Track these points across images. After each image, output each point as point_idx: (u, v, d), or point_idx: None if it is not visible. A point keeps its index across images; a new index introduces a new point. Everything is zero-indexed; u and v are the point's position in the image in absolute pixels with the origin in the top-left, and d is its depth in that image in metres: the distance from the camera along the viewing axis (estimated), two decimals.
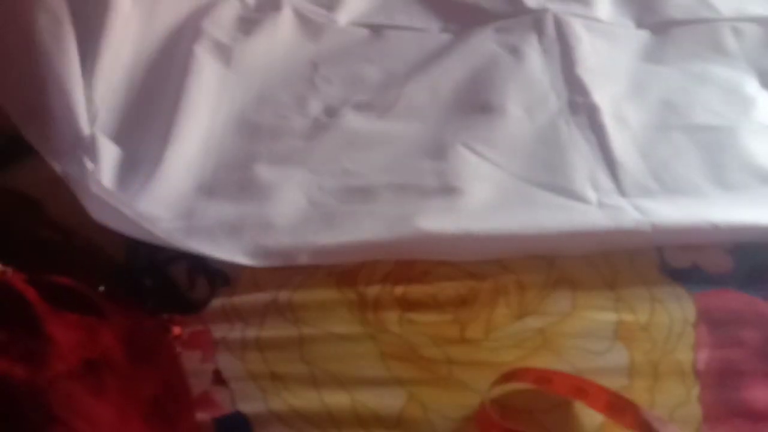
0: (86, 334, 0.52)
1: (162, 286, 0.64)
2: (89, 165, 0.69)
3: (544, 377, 0.55)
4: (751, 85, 0.83)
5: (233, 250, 0.66)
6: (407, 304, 0.63)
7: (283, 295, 0.64)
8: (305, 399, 0.57)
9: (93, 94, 0.77)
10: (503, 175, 0.74)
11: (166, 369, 0.57)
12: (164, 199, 0.71)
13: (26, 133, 0.70)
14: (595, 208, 0.70)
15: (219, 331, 0.61)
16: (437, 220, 0.69)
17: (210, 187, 0.73)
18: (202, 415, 0.56)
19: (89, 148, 0.70)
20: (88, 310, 0.53)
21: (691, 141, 0.78)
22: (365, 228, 0.68)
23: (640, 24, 0.93)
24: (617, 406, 0.53)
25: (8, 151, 0.72)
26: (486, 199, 0.72)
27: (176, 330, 0.61)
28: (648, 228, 0.67)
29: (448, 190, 0.72)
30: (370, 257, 0.67)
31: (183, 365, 0.59)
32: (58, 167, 0.67)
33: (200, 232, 0.68)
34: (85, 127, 0.69)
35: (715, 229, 0.66)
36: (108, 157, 0.72)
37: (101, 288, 0.61)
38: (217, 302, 0.63)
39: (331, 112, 0.82)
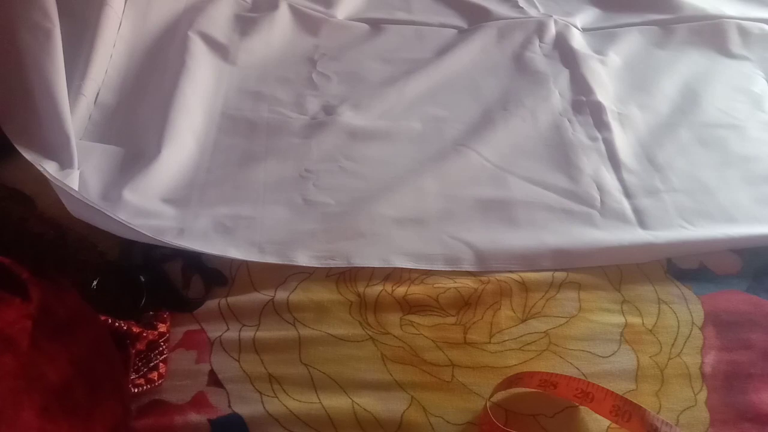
0: None
1: (157, 283, 0.62)
2: (75, 167, 0.67)
3: (549, 381, 0.54)
4: (758, 84, 0.84)
5: (226, 246, 0.65)
6: (408, 306, 0.62)
7: (281, 296, 0.62)
8: (304, 402, 0.56)
9: (87, 93, 0.76)
10: (507, 177, 0.73)
11: (84, 350, 0.50)
12: (157, 198, 0.70)
13: (8, 132, 0.68)
14: (599, 213, 0.70)
15: (215, 331, 0.60)
16: (435, 231, 0.68)
17: (204, 185, 0.72)
18: (197, 417, 0.55)
19: (72, 150, 0.68)
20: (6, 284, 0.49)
21: (697, 139, 0.78)
22: (363, 230, 0.67)
23: (646, 23, 0.93)
24: (623, 410, 0.52)
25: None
26: (488, 202, 0.71)
27: (162, 327, 0.59)
28: (654, 240, 0.66)
29: (448, 195, 0.71)
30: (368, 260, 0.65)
31: (113, 348, 0.53)
32: (41, 168, 0.65)
33: (193, 231, 0.67)
34: (69, 129, 0.68)
35: (729, 239, 0.66)
36: (95, 157, 0.72)
37: (94, 284, 0.60)
38: (213, 302, 0.62)
39: (329, 110, 0.81)
